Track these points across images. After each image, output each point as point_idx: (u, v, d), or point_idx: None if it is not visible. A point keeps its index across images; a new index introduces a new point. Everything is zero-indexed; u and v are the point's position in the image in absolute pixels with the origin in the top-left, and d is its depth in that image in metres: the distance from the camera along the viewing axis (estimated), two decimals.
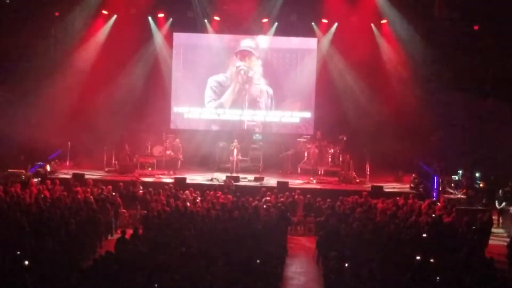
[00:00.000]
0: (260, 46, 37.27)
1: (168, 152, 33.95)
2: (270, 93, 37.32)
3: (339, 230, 23.03)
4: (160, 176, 32.67)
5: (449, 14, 34.21)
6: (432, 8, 34.64)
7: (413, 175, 32.12)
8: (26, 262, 18.26)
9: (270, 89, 37.33)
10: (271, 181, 32.06)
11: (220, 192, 27.95)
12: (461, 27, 34.30)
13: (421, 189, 30.95)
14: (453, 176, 31.54)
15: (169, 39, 37.09)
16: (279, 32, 36.64)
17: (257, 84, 37.30)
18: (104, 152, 33.53)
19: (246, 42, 37.35)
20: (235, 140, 33.73)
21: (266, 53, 37.37)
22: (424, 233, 22.94)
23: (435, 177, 30.98)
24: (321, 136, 35.50)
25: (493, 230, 25.79)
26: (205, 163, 34.94)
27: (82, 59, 35.83)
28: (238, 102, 37.09)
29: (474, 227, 23.88)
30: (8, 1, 34.25)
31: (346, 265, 19.09)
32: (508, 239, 24.38)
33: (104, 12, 35.88)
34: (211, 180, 31.80)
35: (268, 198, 27.62)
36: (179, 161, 34.15)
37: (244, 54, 37.29)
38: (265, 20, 36.26)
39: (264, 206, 26.49)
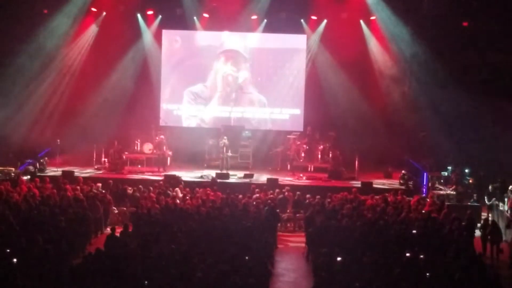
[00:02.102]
0: (248, 46, 37.21)
1: (155, 151, 33.83)
2: (263, 102, 37.20)
3: (329, 226, 23.06)
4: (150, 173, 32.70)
5: (437, 10, 34.29)
6: (420, 4, 34.72)
7: (403, 171, 32.21)
8: (15, 260, 18.24)
9: (263, 98, 37.21)
10: (260, 178, 32.11)
11: (209, 189, 27.94)
12: (449, 23, 34.38)
13: (410, 185, 31.04)
14: (442, 172, 31.67)
15: (158, 36, 37.03)
16: (268, 29, 36.61)
17: (247, 94, 37.23)
18: (93, 149, 33.50)
19: (232, 42, 37.26)
20: (225, 137, 33.68)
21: (254, 53, 37.23)
22: (414, 230, 22.99)
23: (424, 173, 31.07)
24: (311, 133, 35.55)
25: None
26: (194, 161, 34.90)
27: (71, 56, 35.82)
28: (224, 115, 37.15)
29: (463, 223, 23.92)
30: None
31: (337, 260, 19.14)
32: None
33: (93, 9, 35.83)
34: (201, 177, 31.80)
35: (258, 195, 27.60)
36: (168, 158, 34.05)
37: (230, 56, 37.16)
38: (254, 17, 36.22)
39: (254, 203, 26.49)
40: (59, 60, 35.51)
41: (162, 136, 34.27)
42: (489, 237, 24.01)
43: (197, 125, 37.20)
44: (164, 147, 33.96)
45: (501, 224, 26.22)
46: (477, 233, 24.49)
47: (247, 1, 35.77)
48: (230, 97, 36.97)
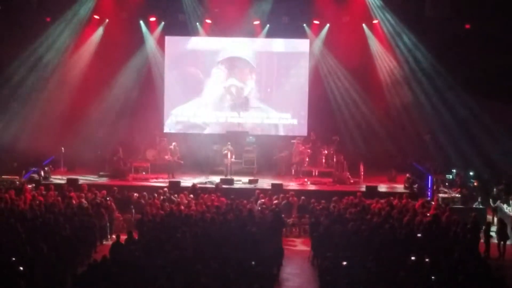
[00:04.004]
0: (251, 52, 37.10)
1: (166, 157, 33.83)
2: (269, 112, 37.08)
3: (334, 231, 23.05)
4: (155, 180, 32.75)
5: (440, 14, 34.27)
6: (423, 7, 34.70)
7: (407, 174, 32.14)
8: (21, 268, 18.27)
9: (270, 109, 37.10)
10: (265, 183, 32.08)
11: (214, 195, 27.92)
12: (452, 26, 34.36)
13: (415, 189, 30.95)
14: (447, 175, 31.62)
15: (161, 42, 37.06)
16: (271, 35, 36.57)
17: (254, 108, 37.16)
18: (97, 156, 33.50)
19: (235, 48, 37.21)
20: (228, 143, 33.65)
21: (258, 59, 37.07)
22: (419, 233, 22.98)
23: (429, 176, 31.03)
24: (315, 137, 35.51)
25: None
26: (199, 166, 34.86)
27: (74, 64, 35.80)
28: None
29: (468, 226, 23.92)
30: None
31: (343, 264, 19.13)
32: None
33: (96, 17, 35.84)
34: (206, 183, 31.77)
35: (263, 200, 27.61)
36: (177, 165, 33.93)
37: (233, 64, 37.10)
38: (256, 22, 36.20)
39: (259, 208, 26.49)
40: (62, 68, 35.49)
41: (174, 143, 34.19)
42: (496, 235, 24.39)
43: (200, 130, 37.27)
44: (178, 154, 33.96)
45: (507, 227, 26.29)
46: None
47: (250, 7, 35.71)
48: (234, 108, 36.93)
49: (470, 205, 28.26)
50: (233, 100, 36.85)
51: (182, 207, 26.05)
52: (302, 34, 36.68)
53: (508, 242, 24.82)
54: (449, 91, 34.09)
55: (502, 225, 24.95)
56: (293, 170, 34.31)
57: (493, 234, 25.04)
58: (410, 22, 34.67)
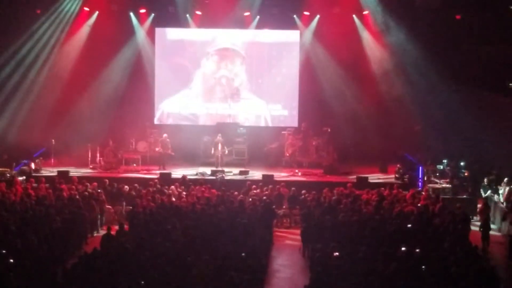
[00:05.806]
0: (242, 43, 37.09)
1: (157, 149, 33.78)
2: (260, 103, 37.13)
3: (325, 222, 23.07)
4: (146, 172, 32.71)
5: (430, 4, 34.29)
6: None
7: (398, 165, 32.16)
8: (12, 260, 18.24)
9: (261, 100, 37.14)
10: (256, 174, 32.07)
11: (205, 187, 27.90)
12: (443, 17, 34.38)
13: (406, 179, 30.99)
14: (437, 166, 31.66)
15: (151, 34, 36.97)
16: (261, 26, 36.53)
17: (245, 99, 37.13)
18: (88, 149, 33.43)
19: (225, 40, 37.19)
20: (219, 134, 33.58)
21: (248, 50, 37.04)
22: (409, 224, 23.00)
23: (420, 167, 31.08)
24: (306, 128, 35.51)
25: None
26: (189, 158, 34.81)
27: (64, 56, 35.71)
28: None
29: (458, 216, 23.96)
30: None
31: (334, 255, 19.14)
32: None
33: (86, 9, 35.74)
34: (196, 174, 31.75)
35: (254, 191, 27.60)
36: (168, 157, 33.90)
37: (224, 55, 37.13)
38: (246, 13, 36.16)
39: (250, 199, 26.49)
40: (52, 60, 35.42)
41: (165, 135, 34.14)
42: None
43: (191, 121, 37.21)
44: (169, 146, 33.92)
45: (497, 217, 26.39)
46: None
47: None
48: (224, 100, 36.92)
49: (460, 196, 28.35)
50: (223, 91, 36.86)
51: (173, 199, 26.06)
52: (292, 25, 36.66)
53: (495, 232, 25.02)
54: (440, 82, 34.05)
55: (485, 208, 25.07)
56: (284, 161, 34.31)
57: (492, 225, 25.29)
58: (401, 13, 34.62)
